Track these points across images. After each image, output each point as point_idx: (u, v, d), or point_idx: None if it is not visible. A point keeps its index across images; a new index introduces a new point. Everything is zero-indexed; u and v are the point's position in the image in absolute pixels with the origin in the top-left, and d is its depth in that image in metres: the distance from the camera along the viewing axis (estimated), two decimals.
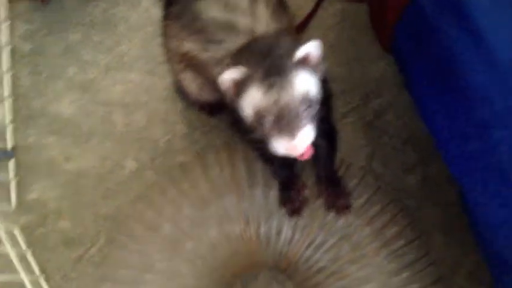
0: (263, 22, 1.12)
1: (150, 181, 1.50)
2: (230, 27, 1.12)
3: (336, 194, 1.20)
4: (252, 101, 1.00)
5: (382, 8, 1.31)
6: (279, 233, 1.20)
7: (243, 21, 1.12)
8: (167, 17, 1.26)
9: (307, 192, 1.20)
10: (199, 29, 1.15)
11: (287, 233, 1.20)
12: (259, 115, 0.99)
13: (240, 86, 1.01)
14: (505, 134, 1.03)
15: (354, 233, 1.18)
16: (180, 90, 1.47)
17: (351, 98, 1.55)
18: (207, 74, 1.19)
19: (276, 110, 0.97)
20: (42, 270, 1.47)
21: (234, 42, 1.11)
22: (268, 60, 1.00)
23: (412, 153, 1.50)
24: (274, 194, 1.20)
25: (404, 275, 1.16)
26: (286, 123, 0.97)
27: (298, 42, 1.04)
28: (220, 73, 1.03)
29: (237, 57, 1.05)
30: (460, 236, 1.42)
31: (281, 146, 0.98)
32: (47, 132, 1.58)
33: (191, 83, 1.32)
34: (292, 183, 1.19)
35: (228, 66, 1.04)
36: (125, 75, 1.62)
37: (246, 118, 1.03)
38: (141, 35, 1.65)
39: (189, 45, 1.20)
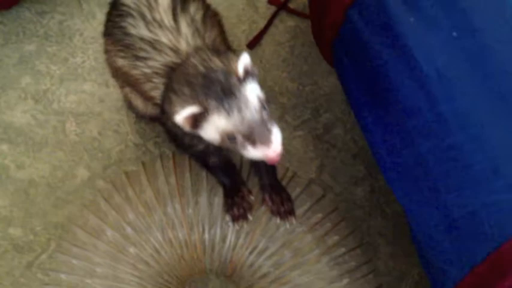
0: (186, 39, 1.15)
1: (101, 190, 1.51)
2: (154, 45, 1.15)
3: (279, 201, 1.23)
4: (216, 128, 1.03)
5: (321, 25, 1.36)
6: (223, 239, 1.22)
7: (166, 38, 1.14)
8: (104, 32, 1.29)
9: (252, 199, 1.23)
10: (127, 45, 1.18)
11: (231, 239, 1.22)
12: (228, 137, 1.03)
13: (197, 120, 1.03)
14: (431, 145, 1.08)
15: (296, 240, 1.21)
16: (128, 104, 1.49)
17: (301, 112, 1.59)
18: (140, 90, 1.22)
19: (243, 128, 1.01)
20: None
21: (159, 60, 1.15)
22: (214, 87, 1.02)
23: (360, 167, 1.55)
24: (218, 200, 1.22)
25: (345, 281, 1.19)
26: (257, 134, 1.00)
27: (224, 56, 1.07)
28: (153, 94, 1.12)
29: (181, 94, 1.06)
30: (407, 247, 1.46)
31: (260, 154, 1.01)
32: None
33: (135, 97, 1.34)
34: (237, 190, 1.22)
35: (174, 105, 1.06)
36: (78, 85, 1.64)
37: (212, 141, 1.06)
38: (95, 47, 1.67)
39: (121, 62, 1.22)
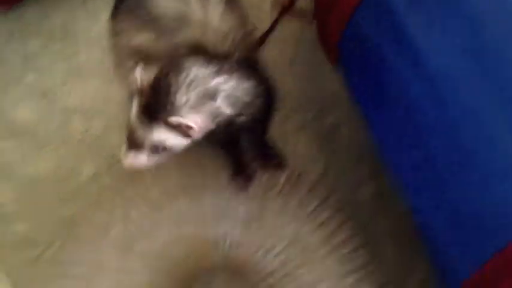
0: (216, 16, 1.14)
1: (107, 186, 1.53)
2: (182, 19, 1.14)
3: (269, 157, 1.30)
4: None
5: (327, 27, 1.38)
6: (229, 237, 1.24)
7: (195, 13, 1.12)
8: (118, 12, 1.26)
9: (255, 165, 1.26)
10: (152, 20, 1.15)
11: (237, 238, 1.24)
12: None
13: None
14: (439, 143, 1.09)
15: (303, 238, 1.23)
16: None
17: (305, 113, 1.61)
18: None
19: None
20: None
21: (186, 34, 1.13)
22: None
23: (365, 168, 1.56)
24: (225, 198, 1.24)
25: (352, 278, 1.22)
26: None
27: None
28: None
29: None
30: (412, 246, 1.47)
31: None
32: (4, 137, 1.59)
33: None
34: (241, 159, 1.26)
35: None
36: (83, 83, 1.65)
37: None
38: (100, 46, 1.67)
39: (142, 38, 1.19)
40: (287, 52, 1.68)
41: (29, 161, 1.57)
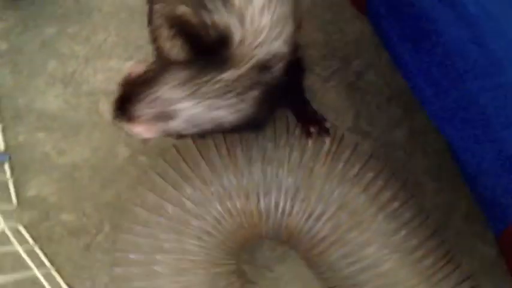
0: (257, 8, 1.11)
1: (145, 165, 1.54)
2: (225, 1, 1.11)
3: (314, 121, 1.29)
4: None
5: None
6: (278, 206, 1.24)
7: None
8: None
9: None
10: None
11: (286, 207, 1.24)
12: None
13: None
14: (482, 84, 1.08)
15: (351, 201, 1.23)
16: None
17: (330, 62, 1.58)
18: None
19: None
20: (52, 263, 1.51)
21: (220, 18, 1.11)
22: None
23: (396, 109, 1.55)
24: (271, 169, 1.24)
25: (402, 233, 1.22)
26: None
27: None
28: None
29: None
30: (452, 181, 1.48)
31: None
32: (36, 129, 1.60)
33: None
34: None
35: None
36: (104, 63, 1.63)
37: None
38: (116, 22, 1.66)
39: (183, 9, 1.17)
40: (304, 2, 1.64)
41: (64, 150, 1.58)
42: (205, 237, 1.26)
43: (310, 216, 1.24)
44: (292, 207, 1.24)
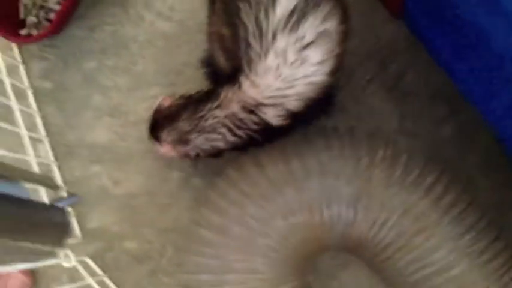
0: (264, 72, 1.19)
1: (199, 187, 1.58)
2: (257, 38, 1.16)
3: None
4: None
5: None
6: (341, 217, 1.27)
7: (255, 53, 1.17)
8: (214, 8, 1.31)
9: None
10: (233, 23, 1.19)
11: (349, 216, 1.27)
12: None
13: None
14: None
15: (414, 207, 1.25)
16: None
17: (368, 68, 1.61)
18: None
19: None
20: None
21: (249, 53, 1.18)
22: None
23: (440, 106, 1.57)
24: (330, 181, 1.27)
25: (468, 236, 1.24)
26: None
27: None
28: None
29: None
30: (504, 176, 1.50)
31: None
32: (90, 162, 1.65)
33: None
34: None
35: None
36: (146, 92, 1.67)
37: None
38: (153, 51, 1.70)
39: (225, 31, 1.24)
40: None
41: (119, 180, 1.62)
42: (272, 255, 1.29)
43: (374, 224, 1.26)
44: (355, 216, 1.27)
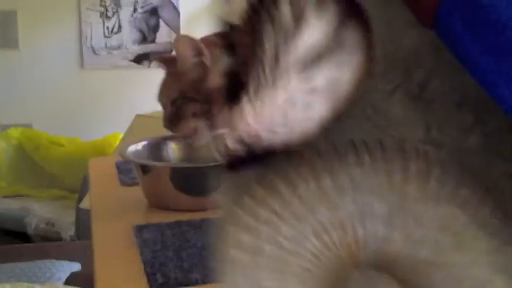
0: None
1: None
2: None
3: None
4: None
5: None
6: (375, 234, 1.24)
7: None
8: None
9: None
10: None
11: (383, 233, 1.24)
12: None
13: None
14: None
15: (449, 222, 1.22)
16: None
17: (391, 76, 1.58)
18: None
19: None
20: None
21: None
22: None
23: (466, 114, 1.52)
24: (363, 197, 1.24)
25: (506, 251, 1.20)
26: None
27: None
28: None
29: None
30: None
31: None
32: None
33: None
34: None
35: None
36: None
37: None
38: None
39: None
40: None
41: None
42: (304, 274, 1.26)
43: (409, 240, 1.24)
44: (389, 233, 1.24)
